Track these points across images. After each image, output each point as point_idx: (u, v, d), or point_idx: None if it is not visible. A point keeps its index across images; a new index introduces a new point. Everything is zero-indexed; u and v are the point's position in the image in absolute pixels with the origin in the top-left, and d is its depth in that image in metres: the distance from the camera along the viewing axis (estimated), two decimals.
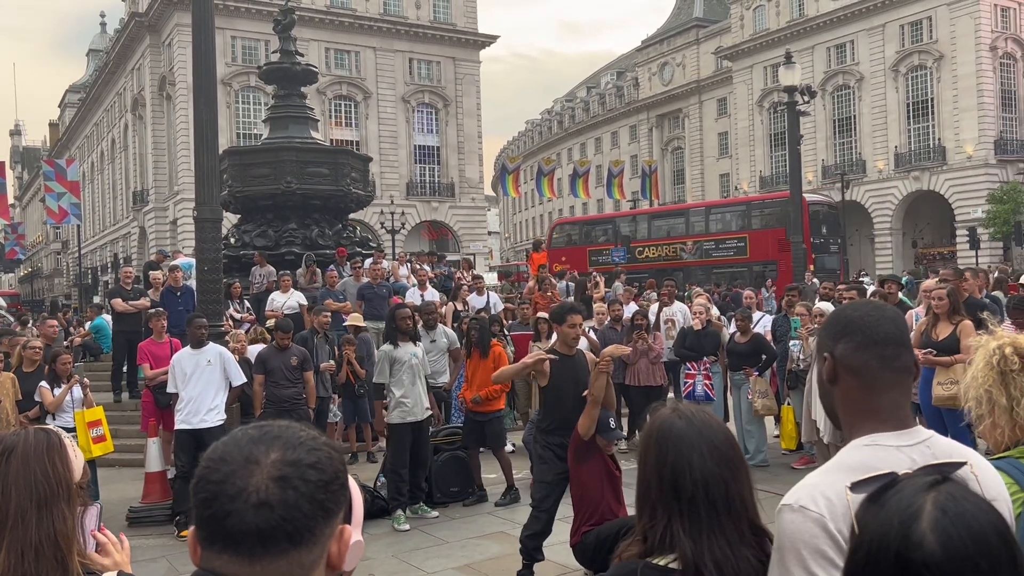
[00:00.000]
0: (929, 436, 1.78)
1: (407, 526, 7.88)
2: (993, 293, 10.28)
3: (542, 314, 11.55)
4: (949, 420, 7.02)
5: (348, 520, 1.28)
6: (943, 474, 1.22)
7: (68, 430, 8.17)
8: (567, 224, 41.21)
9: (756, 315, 11.03)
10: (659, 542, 1.81)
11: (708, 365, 10.08)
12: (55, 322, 11.50)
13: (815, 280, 23.34)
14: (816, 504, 1.63)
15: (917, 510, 1.13)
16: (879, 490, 1.21)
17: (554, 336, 6.55)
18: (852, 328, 1.79)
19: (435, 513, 8.30)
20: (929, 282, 8.81)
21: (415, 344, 8.49)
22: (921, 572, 1.08)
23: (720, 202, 40.34)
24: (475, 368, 8.44)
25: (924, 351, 7.53)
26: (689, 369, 10.21)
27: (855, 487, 1.54)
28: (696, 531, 1.77)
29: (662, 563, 1.79)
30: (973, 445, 3.90)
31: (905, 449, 1.71)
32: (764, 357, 9.94)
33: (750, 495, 1.85)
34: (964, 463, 1.71)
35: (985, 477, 1.75)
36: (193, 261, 11.89)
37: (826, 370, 1.82)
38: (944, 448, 1.78)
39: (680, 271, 27.07)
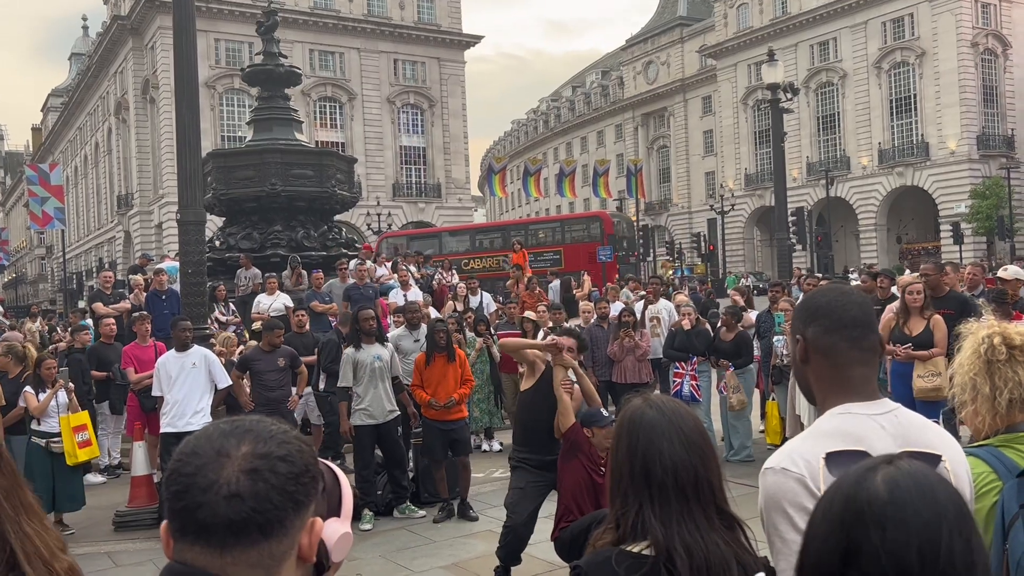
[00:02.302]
0: (896, 407, 1.91)
1: (370, 525, 7.87)
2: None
3: (529, 314, 11.59)
4: (924, 415, 7.08)
5: (337, 512, 1.30)
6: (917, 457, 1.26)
7: (53, 435, 8.16)
8: (392, 238, 42.28)
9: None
10: (631, 528, 1.85)
11: (696, 365, 10.13)
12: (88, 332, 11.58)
13: (801, 275, 23.44)
14: (796, 465, 1.76)
15: (876, 466, 1.19)
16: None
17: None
18: (821, 313, 1.93)
19: (422, 512, 8.29)
20: (907, 277, 8.90)
21: (382, 345, 8.43)
22: (863, 510, 1.13)
23: (537, 220, 42.94)
24: (442, 372, 8.18)
25: (904, 347, 7.60)
26: (678, 368, 10.25)
27: (829, 459, 1.63)
28: (667, 516, 1.82)
29: (635, 550, 1.83)
30: (954, 433, 3.96)
31: (875, 417, 1.84)
32: (742, 357, 10.00)
33: (719, 483, 1.91)
34: (941, 457, 1.77)
35: (955, 470, 1.81)
36: (177, 264, 11.86)
37: (798, 351, 1.96)
38: (910, 418, 1.91)
39: (503, 281, 28.46)
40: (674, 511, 1.83)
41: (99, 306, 12.52)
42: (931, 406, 7.03)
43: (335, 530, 1.25)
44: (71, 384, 8.64)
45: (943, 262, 10.05)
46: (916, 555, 1.09)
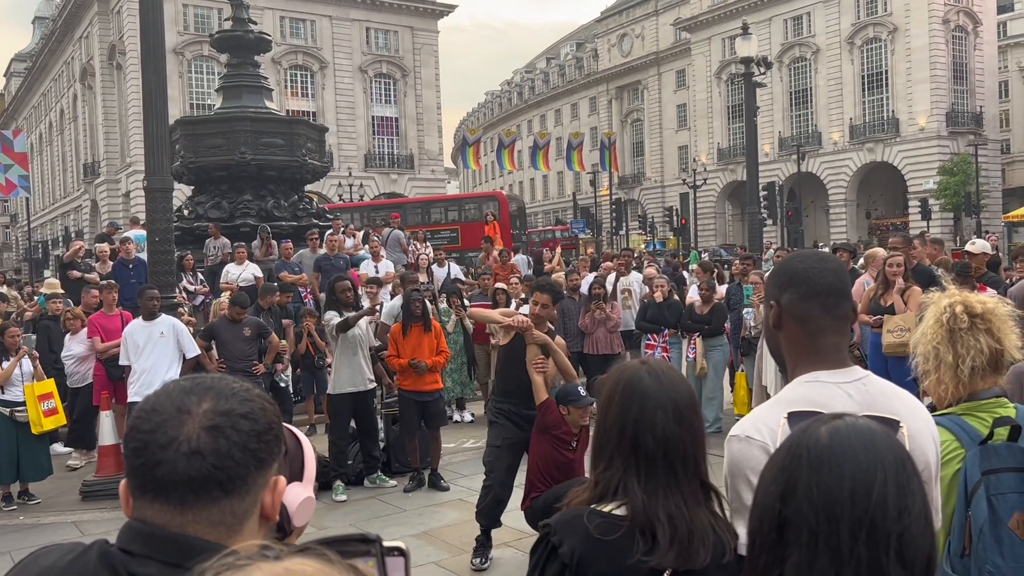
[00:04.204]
0: (865, 375, 1.91)
1: (344, 496, 7.86)
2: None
3: (500, 285, 11.58)
4: (896, 376, 7.20)
5: (300, 477, 1.28)
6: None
7: (18, 404, 8.05)
8: None
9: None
10: (611, 490, 1.84)
11: (667, 337, 10.18)
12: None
13: (772, 249, 23.66)
14: (760, 433, 1.78)
15: (824, 419, 1.24)
16: None
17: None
18: (797, 279, 1.91)
19: (393, 482, 8.30)
20: (876, 250, 9.01)
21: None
22: (802, 454, 1.18)
23: (434, 198, 43.24)
24: (418, 342, 8.15)
25: (874, 318, 7.71)
26: (650, 340, 10.31)
27: (791, 418, 1.65)
28: (652, 487, 1.81)
29: (606, 509, 1.83)
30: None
31: (843, 385, 1.85)
32: (709, 326, 10.08)
33: (703, 458, 1.91)
34: (899, 422, 1.78)
35: (915, 436, 1.82)
36: (145, 233, 11.69)
37: (772, 316, 1.95)
38: (879, 386, 1.90)
39: None
40: (660, 483, 1.81)
41: (74, 274, 12.39)
42: (902, 363, 7.08)
43: (297, 494, 1.24)
44: (35, 352, 8.51)
45: (911, 235, 10.19)
46: (848, 496, 1.13)
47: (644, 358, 2.02)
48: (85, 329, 9.49)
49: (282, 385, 10.10)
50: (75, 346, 9.59)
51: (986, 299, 2.42)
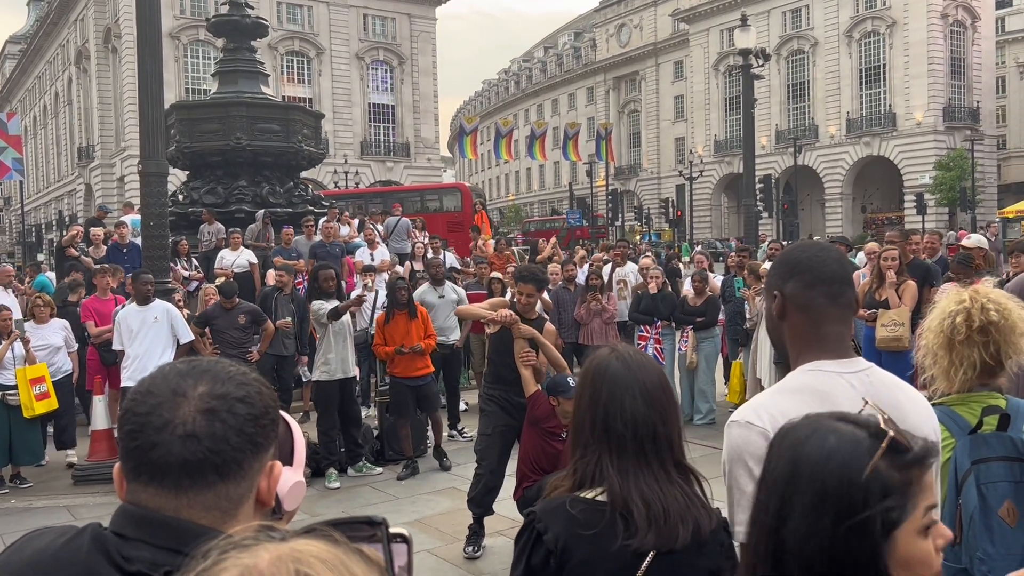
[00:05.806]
0: (868, 366, 1.92)
1: (338, 483, 7.88)
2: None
3: (496, 274, 11.56)
4: (889, 371, 7.20)
5: (290, 461, 1.27)
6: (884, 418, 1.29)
7: (9, 387, 8.03)
8: None
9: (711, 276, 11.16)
10: (589, 476, 1.86)
11: (660, 329, 10.19)
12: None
13: (766, 243, 23.69)
14: (761, 420, 1.77)
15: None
16: None
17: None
18: (801, 268, 1.90)
19: (379, 470, 8.30)
20: (872, 244, 9.03)
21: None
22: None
23: (396, 188, 42.84)
24: (404, 329, 8.16)
25: (868, 312, 7.71)
26: (643, 331, 10.31)
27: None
28: (624, 468, 1.84)
29: (589, 496, 1.84)
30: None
31: (845, 375, 1.84)
32: (702, 318, 10.07)
33: (678, 438, 1.92)
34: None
35: (918, 429, 1.82)
36: (139, 217, 11.64)
37: (776, 306, 1.93)
38: (881, 377, 1.91)
39: None
40: (631, 463, 1.84)
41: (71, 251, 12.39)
42: (896, 358, 7.10)
43: (287, 479, 1.23)
44: (28, 335, 8.48)
45: (908, 230, 10.20)
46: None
47: (613, 345, 2.03)
48: (54, 320, 9.00)
49: (304, 380, 10.21)
50: (51, 335, 8.79)
51: (1001, 304, 2.41)
